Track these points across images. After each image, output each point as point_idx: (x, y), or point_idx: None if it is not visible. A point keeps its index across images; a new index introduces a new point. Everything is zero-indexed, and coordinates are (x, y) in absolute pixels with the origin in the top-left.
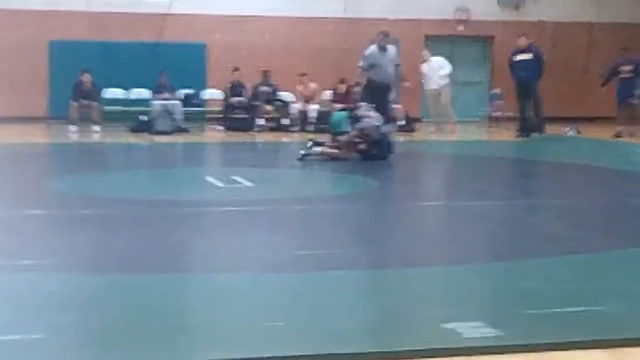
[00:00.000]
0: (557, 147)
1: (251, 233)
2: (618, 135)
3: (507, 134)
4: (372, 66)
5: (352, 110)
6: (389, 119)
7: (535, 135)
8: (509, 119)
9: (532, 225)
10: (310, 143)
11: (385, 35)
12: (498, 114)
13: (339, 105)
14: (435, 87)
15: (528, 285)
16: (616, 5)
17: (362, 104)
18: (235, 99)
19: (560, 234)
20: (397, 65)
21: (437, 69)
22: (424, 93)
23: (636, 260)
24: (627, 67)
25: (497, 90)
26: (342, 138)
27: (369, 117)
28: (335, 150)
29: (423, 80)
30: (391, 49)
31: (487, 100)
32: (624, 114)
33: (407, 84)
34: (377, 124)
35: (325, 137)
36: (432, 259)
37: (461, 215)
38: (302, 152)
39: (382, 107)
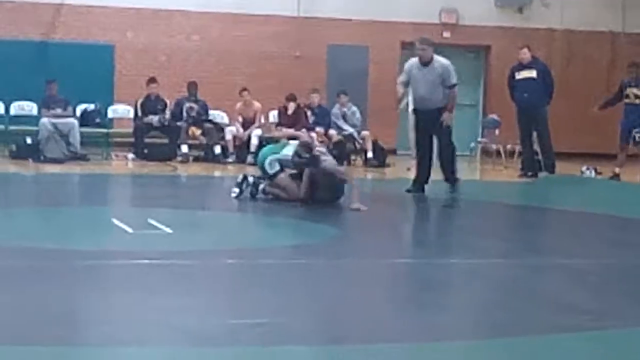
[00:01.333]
0: (571, 192)
1: (170, 294)
2: (615, 176)
3: (506, 173)
4: (407, 85)
5: (304, 144)
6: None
7: (543, 175)
8: (509, 153)
9: (540, 291)
10: (241, 176)
11: (424, 42)
12: (494, 146)
13: (287, 132)
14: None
15: None
16: None
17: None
18: (152, 118)
19: (574, 304)
20: (448, 87)
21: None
22: (402, 117)
23: None
24: (636, 90)
25: (493, 116)
26: (304, 181)
27: (325, 156)
28: (282, 194)
29: (408, 99)
30: (438, 63)
31: (481, 129)
32: (625, 150)
33: (446, 116)
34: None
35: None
36: (407, 333)
37: (447, 276)
38: (236, 189)
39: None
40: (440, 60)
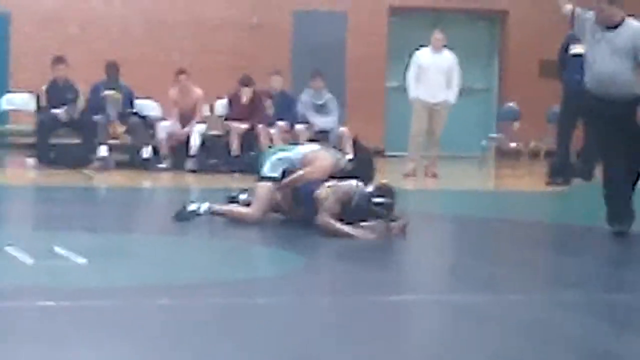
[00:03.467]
0: None
1: (81, 348)
2: None
3: (529, 181)
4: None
5: (385, 186)
6: None
7: (577, 182)
8: (532, 154)
9: (571, 336)
10: (196, 205)
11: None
12: (513, 144)
13: (241, 126)
14: (434, 100)
15: None
16: None
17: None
18: (59, 111)
19: (614, 351)
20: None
21: (445, 70)
22: (393, 109)
23: None
24: None
25: (512, 105)
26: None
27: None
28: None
29: (408, 86)
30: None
31: (496, 122)
32: None
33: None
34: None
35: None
36: None
37: (452, 317)
38: (190, 207)
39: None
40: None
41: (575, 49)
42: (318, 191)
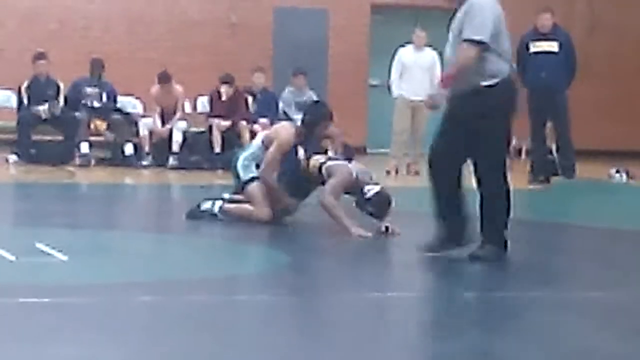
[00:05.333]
0: (597, 202)
1: (64, 344)
2: None
3: (511, 178)
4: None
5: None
6: None
7: (559, 180)
8: (515, 152)
9: (556, 334)
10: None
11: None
12: None
13: (222, 123)
14: (417, 97)
15: None
16: None
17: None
18: (40, 108)
19: (600, 349)
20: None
21: (427, 68)
22: (375, 107)
23: None
24: None
25: None
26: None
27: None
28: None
29: (392, 84)
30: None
31: None
32: None
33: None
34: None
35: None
36: None
37: (433, 314)
38: (204, 206)
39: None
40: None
41: (535, 47)
42: (304, 161)
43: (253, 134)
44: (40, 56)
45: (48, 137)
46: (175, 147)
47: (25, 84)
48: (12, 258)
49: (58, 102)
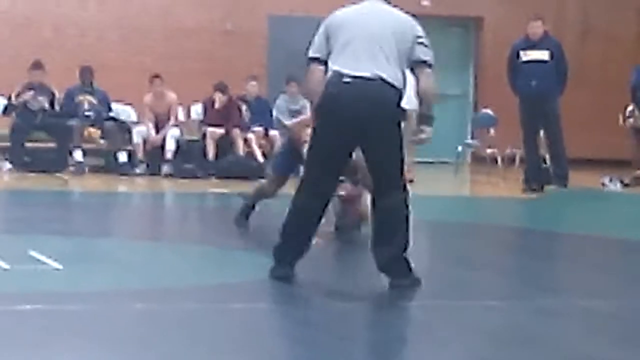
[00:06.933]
0: (590, 211)
1: (58, 351)
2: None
3: (505, 187)
4: None
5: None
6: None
7: (551, 189)
8: (508, 160)
9: (548, 340)
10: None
11: None
12: (489, 151)
13: (217, 131)
14: (410, 106)
15: None
16: None
17: None
18: (29, 94)
19: (594, 356)
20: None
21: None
22: None
23: None
24: None
25: (487, 111)
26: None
27: None
28: None
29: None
30: None
31: (470, 128)
32: None
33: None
34: None
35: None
36: None
37: (427, 321)
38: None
39: None
40: None
41: (526, 56)
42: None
43: (247, 142)
44: (37, 65)
45: (41, 145)
46: (169, 155)
47: (18, 91)
48: (6, 266)
49: (47, 98)
